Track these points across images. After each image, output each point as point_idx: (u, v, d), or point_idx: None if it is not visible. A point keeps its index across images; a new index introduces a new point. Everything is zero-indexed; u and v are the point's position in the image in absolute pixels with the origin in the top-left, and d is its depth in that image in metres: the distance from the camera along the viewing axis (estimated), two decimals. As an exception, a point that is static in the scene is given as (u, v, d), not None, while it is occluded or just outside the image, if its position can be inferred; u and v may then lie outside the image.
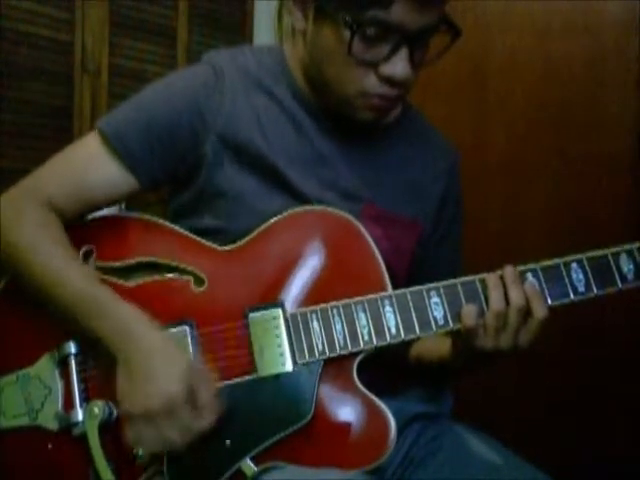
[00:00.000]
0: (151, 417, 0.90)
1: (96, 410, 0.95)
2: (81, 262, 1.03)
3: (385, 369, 1.04)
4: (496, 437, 1.08)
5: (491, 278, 0.97)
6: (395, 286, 1.00)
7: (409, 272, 1.12)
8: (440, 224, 1.17)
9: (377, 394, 0.96)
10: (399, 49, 0.97)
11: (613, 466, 1.94)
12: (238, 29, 2.33)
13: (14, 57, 1.84)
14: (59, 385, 1.01)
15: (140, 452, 0.94)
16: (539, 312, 0.96)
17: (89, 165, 1.07)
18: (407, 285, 0.99)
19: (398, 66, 0.98)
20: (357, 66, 0.99)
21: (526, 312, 0.96)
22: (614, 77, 2.04)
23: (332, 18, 0.97)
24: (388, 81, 0.99)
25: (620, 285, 0.99)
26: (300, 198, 1.05)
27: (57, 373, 1.01)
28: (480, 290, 0.98)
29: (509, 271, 0.97)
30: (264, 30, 2.33)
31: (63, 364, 1.01)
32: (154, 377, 0.91)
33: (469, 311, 0.96)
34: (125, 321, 0.95)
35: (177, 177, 1.10)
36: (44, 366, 1.02)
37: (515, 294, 0.96)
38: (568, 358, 2.02)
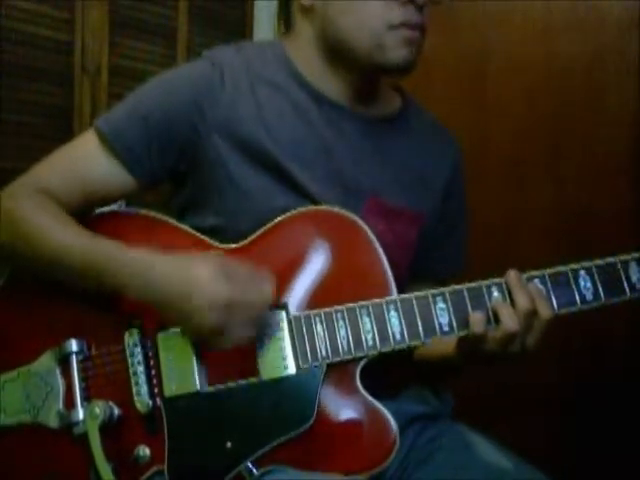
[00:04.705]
0: (221, 311, 0.90)
1: (97, 410, 0.95)
2: (82, 227, 1.03)
3: (382, 371, 1.03)
4: (494, 437, 1.08)
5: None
6: (398, 279, 1.00)
7: (411, 266, 1.12)
8: (445, 218, 1.17)
9: (375, 396, 0.96)
10: None
11: (613, 467, 1.94)
12: (238, 29, 2.32)
13: (14, 57, 1.84)
14: (60, 383, 1.01)
15: (141, 452, 0.95)
16: (545, 312, 0.95)
17: (86, 163, 1.07)
18: (409, 279, 0.99)
19: None
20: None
21: (533, 314, 0.95)
22: (614, 77, 2.04)
23: None
24: (410, 3, 1.01)
25: (629, 294, 0.98)
26: (304, 194, 1.05)
27: (58, 371, 1.01)
28: (486, 296, 0.97)
29: (512, 275, 0.97)
30: (264, 30, 2.33)
31: (64, 362, 1.01)
32: (194, 288, 0.91)
33: (478, 319, 0.95)
34: (143, 262, 0.96)
35: (177, 174, 1.09)
36: (45, 363, 1.02)
37: (521, 298, 0.95)
38: (567, 356, 2.01)
